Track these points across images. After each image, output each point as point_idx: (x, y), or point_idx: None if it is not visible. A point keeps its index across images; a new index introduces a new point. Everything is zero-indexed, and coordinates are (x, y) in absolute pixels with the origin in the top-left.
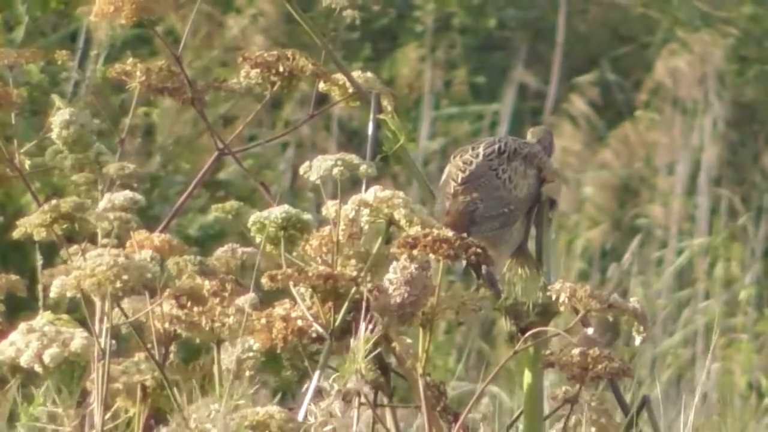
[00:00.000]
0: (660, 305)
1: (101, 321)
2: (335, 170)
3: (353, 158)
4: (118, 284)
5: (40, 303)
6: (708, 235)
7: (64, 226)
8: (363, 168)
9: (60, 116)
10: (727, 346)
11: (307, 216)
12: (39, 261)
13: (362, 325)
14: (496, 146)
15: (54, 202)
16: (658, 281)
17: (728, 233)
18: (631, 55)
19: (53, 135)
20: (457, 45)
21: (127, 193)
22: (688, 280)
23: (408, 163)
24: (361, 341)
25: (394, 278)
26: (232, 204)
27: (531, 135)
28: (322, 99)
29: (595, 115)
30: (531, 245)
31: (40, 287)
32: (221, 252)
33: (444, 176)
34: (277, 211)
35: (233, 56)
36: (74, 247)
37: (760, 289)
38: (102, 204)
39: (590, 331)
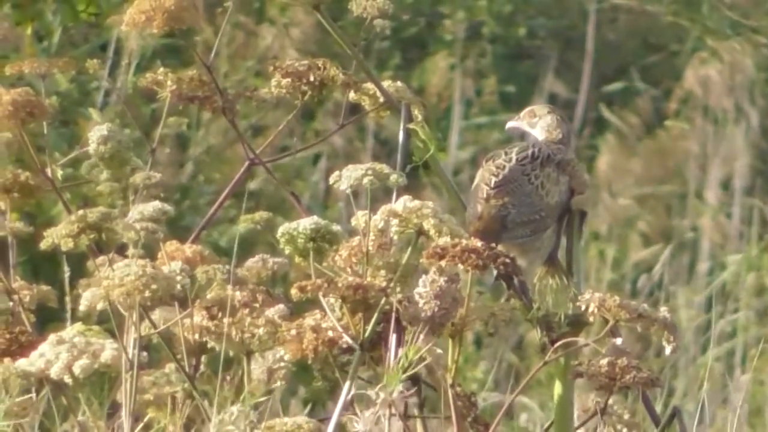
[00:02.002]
0: (692, 316)
1: (129, 332)
2: (365, 180)
3: (383, 168)
4: (147, 294)
5: (68, 314)
6: (741, 245)
7: (92, 236)
8: (393, 178)
9: (97, 131)
10: (759, 356)
11: (336, 227)
12: (66, 273)
13: (392, 336)
14: (530, 151)
15: (81, 212)
16: (691, 293)
17: (761, 243)
18: (660, 63)
19: (90, 150)
20: (486, 54)
21: (157, 204)
22: (719, 291)
23: (438, 173)
24: (411, 350)
25: (424, 292)
26: (261, 214)
27: (547, 114)
28: (354, 109)
29: (640, 126)
30: (561, 255)
31: (68, 299)
32: (252, 262)
33: (476, 180)
34: (306, 222)
35: (267, 66)
36: (101, 258)
37: None
38: (132, 214)
39: (619, 341)
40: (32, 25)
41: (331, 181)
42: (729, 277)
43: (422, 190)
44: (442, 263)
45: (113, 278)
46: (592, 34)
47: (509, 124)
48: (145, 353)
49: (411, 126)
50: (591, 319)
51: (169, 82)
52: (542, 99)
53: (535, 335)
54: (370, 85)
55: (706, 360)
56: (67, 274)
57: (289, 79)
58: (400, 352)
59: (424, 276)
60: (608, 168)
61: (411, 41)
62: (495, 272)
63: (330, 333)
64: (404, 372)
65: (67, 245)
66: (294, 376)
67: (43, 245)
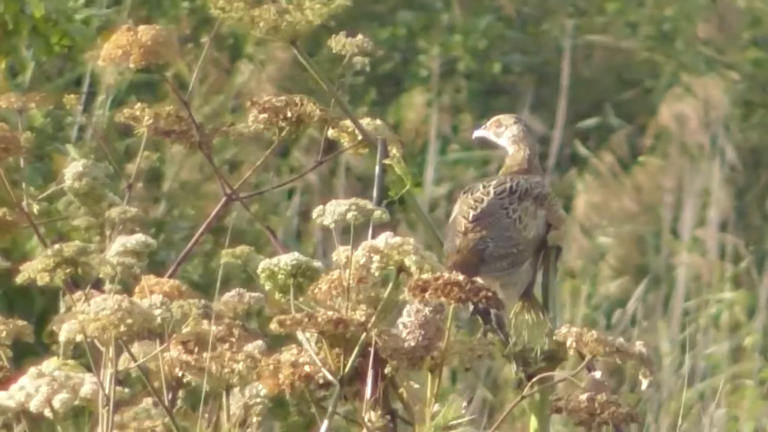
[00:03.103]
0: (665, 352)
1: (105, 366)
2: (349, 215)
3: (367, 204)
4: (123, 328)
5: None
6: (714, 280)
7: (68, 270)
8: (377, 214)
9: (73, 168)
10: (733, 392)
11: (317, 263)
12: (62, 309)
13: (370, 371)
14: (508, 185)
15: (57, 246)
16: (666, 329)
17: (732, 277)
18: (635, 99)
19: (65, 186)
20: (462, 90)
21: (140, 237)
22: (694, 327)
23: (415, 208)
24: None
25: (408, 321)
26: (243, 249)
27: (513, 124)
28: (330, 144)
29: (615, 162)
30: (536, 290)
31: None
32: (228, 297)
33: (453, 213)
34: (287, 258)
35: (243, 102)
36: (78, 293)
37: (765, 335)
38: (114, 248)
39: (597, 374)
40: (6, 59)
41: (314, 216)
42: (706, 315)
43: (397, 226)
44: (426, 296)
45: (89, 312)
46: (567, 70)
47: (476, 133)
48: (127, 390)
49: (387, 161)
50: (568, 353)
51: (146, 117)
52: None
53: (509, 370)
54: (348, 122)
55: (682, 395)
56: (63, 310)
57: (267, 115)
58: (379, 386)
59: (408, 306)
60: (585, 206)
61: (386, 77)
62: (471, 307)
63: (307, 368)
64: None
65: (43, 280)
66: (270, 412)
67: (19, 279)
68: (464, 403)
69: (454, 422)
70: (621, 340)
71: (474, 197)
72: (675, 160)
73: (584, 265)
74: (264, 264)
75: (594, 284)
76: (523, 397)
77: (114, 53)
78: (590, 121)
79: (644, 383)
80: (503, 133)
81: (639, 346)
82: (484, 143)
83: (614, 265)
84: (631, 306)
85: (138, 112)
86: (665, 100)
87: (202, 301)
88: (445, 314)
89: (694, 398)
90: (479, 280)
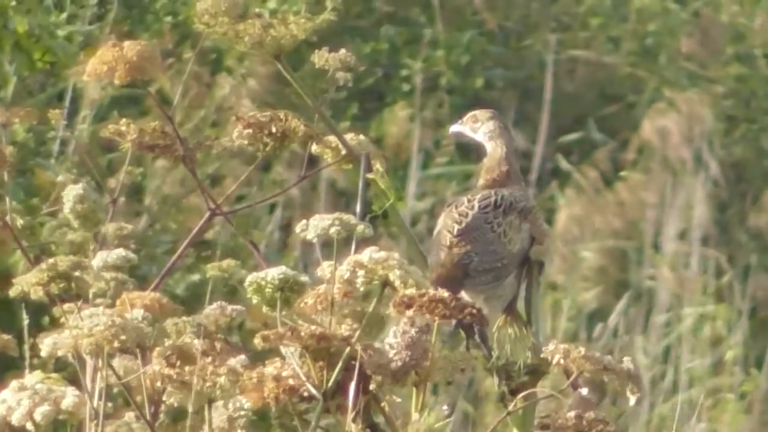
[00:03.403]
0: (646, 366)
1: (93, 380)
2: (332, 230)
3: (350, 218)
4: (116, 344)
5: (26, 362)
6: (698, 296)
7: (61, 285)
8: (360, 228)
9: (73, 191)
10: (714, 406)
11: (304, 277)
12: (25, 320)
13: (353, 384)
14: (492, 199)
15: (51, 260)
16: (647, 343)
17: (714, 292)
18: (618, 114)
19: (66, 209)
20: (445, 104)
21: (120, 252)
22: (675, 340)
23: (398, 222)
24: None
25: (395, 343)
26: (229, 263)
27: (489, 120)
28: (312, 159)
29: (598, 177)
30: (519, 304)
31: (26, 347)
32: (210, 310)
33: (438, 227)
34: (275, 272)
35: (223, 116)
36: (67, 305)
37: (746, 349)
38: (95, 262)
39: (584, 391)
40: None
41: (298, 230)
42: (685, 328)
43: (378, 240)
44: (410, 312)
45: (82, 327)
46: (550, 85)
47: (452, 128)
48: (111, 404)
49: (370, 176)
50: (553, 369)
51: (131, 133)
52: None
53: (491, 383)
54: (332, 138)
55: (662, 409)
56: (26, 322)
57: (251, 130)
58: (361, 400)
59: (394, 327)
60: (567, 220)
61: (369, 91)
62: (454, 321)
63: (291, 381)
64: None
65: (37, 294)
66: (252, 425)
67: (12, 293)
68: (445, 408)
69: (437, 426)
70: (609, 357)
71: (458, 211)
72: (657, 175)
73: (566, 278)
74: (251, 277)
75: (573, 296)
76: (509, 412)
77: (99, 69)
78: (573, 136)
79: (632, 400)
80: (479, 128)
81: (626, 362)
82: (466, 155)
83: (595, 278)
84: (612, 320)
85: (123, 128)
86: (648, 115)
87: (196, 319)
88: (431, 333)
89: (674, 412)
90: (464, 295)
